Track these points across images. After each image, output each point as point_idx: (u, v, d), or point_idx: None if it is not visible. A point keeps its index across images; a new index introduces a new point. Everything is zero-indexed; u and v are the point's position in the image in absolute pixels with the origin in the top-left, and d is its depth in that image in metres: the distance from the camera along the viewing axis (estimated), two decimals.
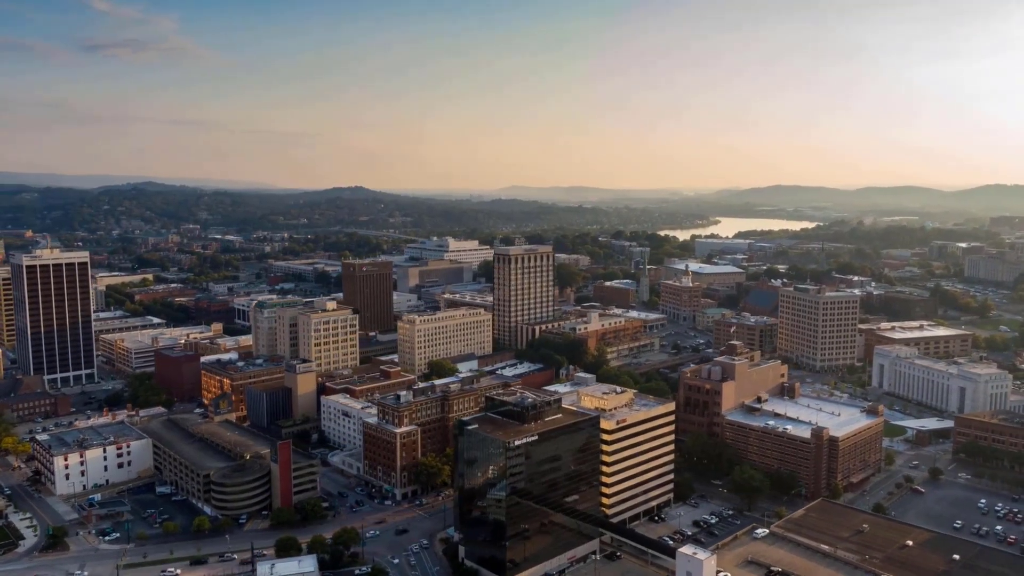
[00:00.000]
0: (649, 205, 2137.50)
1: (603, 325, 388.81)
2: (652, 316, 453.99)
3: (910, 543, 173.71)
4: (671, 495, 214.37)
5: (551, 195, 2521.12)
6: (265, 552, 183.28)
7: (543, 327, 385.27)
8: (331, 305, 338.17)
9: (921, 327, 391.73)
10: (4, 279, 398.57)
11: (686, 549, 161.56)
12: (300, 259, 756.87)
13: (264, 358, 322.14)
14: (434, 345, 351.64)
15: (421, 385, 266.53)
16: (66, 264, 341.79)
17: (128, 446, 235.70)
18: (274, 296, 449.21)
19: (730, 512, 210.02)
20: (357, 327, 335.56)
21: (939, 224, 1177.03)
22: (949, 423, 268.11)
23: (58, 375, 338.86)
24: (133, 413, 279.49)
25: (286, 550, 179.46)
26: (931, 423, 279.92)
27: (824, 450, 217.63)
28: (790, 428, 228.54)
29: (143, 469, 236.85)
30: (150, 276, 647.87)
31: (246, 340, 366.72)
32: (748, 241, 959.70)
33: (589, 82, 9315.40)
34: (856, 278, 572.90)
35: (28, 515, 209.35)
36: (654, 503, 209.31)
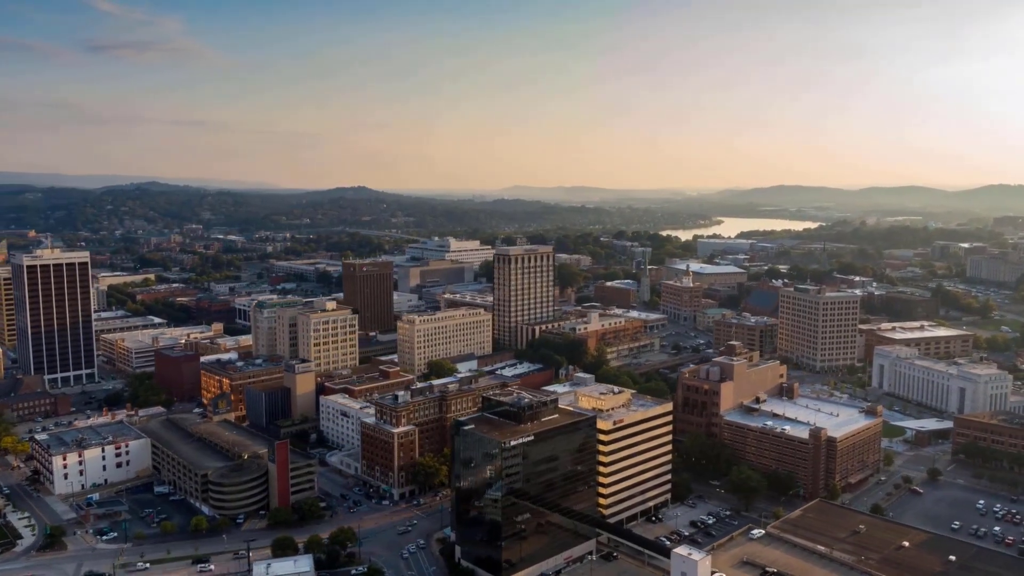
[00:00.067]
0: (652, 205, 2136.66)
1: (603, 325, 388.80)
2: (653, 316, 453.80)
3: (906, 544, 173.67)
4: (668, 495, 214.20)
5: (554, 195, 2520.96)
6: (249, 553, 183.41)
7: (543, 327, 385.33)
8: (331, 305, 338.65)
9: (922, 327, 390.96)
10: (5, 279, 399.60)
11: (681, 550, 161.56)
12: (302, 259, 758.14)
13: (263, 358, 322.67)
14: (434, 345, 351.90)
15: (419, 385, 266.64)
16: (66, 264, 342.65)
17: (127, 446, 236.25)
18: (275, 296, 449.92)
19: (727, 512, 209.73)
20: (357, 327, 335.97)
21: (942, 224, 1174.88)
22: (949, 424, 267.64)
23: (58, 375, 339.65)
24: (132, 413, 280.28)
25: (283, 550, 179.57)
26: (930, 424, 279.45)
27: (822, 451, 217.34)
28: (788, 428, 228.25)
29: (142, 469, 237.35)
30: (152, 276, 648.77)
31: (246, 340, 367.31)
32: (750, 241, 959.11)
33: (593, 83, 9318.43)
34: (857, 278, 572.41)
35: (26, 514, 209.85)
36: (651, 503, 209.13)
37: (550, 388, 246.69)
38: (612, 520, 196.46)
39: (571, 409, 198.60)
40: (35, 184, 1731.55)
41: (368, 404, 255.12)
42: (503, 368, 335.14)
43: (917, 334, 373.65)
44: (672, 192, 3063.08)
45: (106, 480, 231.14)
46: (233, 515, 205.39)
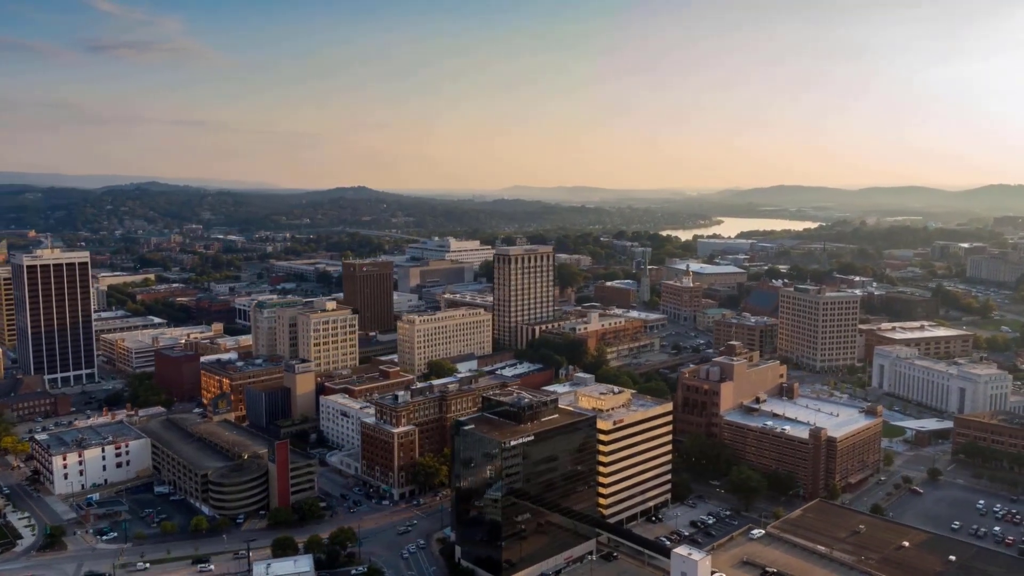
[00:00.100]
0: (652, 205, 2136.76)
1: (603, 325, 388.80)
2: (653, 316, 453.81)
3: (906, 544, 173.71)
4: (669, 495, 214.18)
5: (554, 195, 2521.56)
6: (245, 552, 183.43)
7: (543, 327, 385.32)
8: (330, 305, 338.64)
9: (922, 327, 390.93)
10: (5, 279, 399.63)
11: (681, 550, 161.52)
12: (302, 259, 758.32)
13: (263, 358, 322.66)
14: (434, 345, 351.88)
15: (419, 385, 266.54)
16: (66, 264, 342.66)
17: (127, 446, 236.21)
18: (275, 296, 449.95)
19: (727, 513, 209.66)
20: (356, 327, 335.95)
21: (942, 224, 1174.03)
22: (948, 424, 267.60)
23: (58, 375, 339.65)
24: (132, 413, 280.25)
25: (283, 550, 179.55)
26: (930, 424, 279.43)
27: (822, 451, 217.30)
28: (788, 428, 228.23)
29: (142, 469, 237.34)
30: (152, 276, 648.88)
31: (246, 340, 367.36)
32: (750, 241, 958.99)
33: (593, 83, 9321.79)
34: (857, 278, 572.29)
35: (26, 514, 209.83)
36: (651, 503, 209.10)
37: (550, 388, 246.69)
38: (612, 520, 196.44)
39: (571, 409, 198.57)
40: (35, 184, 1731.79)
41: (368, 404, 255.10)
42: (503, 368, 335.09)
43: (917, 334, 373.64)
44: (672, 192, 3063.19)
45: (106, 480, 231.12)
46: (233, 515, 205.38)
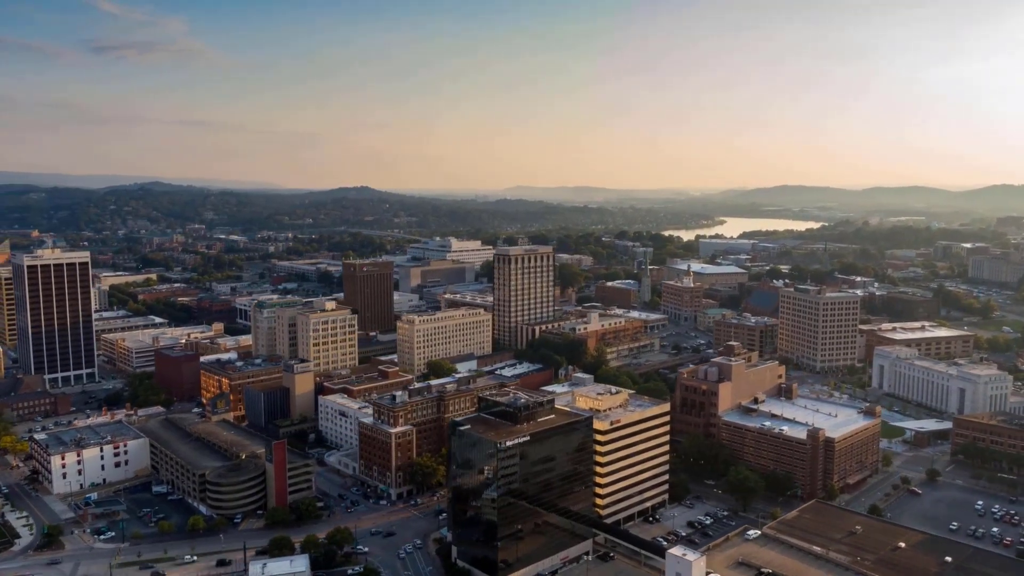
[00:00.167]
0: (655, 205, 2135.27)
1: (603, 325, 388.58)
2: (653, 316, 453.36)
3: (903, 545, 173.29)
4: (666, 496, 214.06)
5: (557, 195, 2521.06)
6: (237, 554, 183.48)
7: (543, 327, 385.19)
8: (330, 305, 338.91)
9: (923, 328, 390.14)
10: (6, 279, 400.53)
11: (676, 550, 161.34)
12: (304, 259, 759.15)
13: (263, 358, 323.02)
14: (433, 345, 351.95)
15: (417, 385, 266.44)
16: (67, 264, 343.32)
17: (125, 445, 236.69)
18: (275, 296, 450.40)
19: (725, 513, 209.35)
20: (356, 327, 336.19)
21: (945, 224, 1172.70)
22: (948, 424, 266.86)
23: (59, 374, 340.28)
24: (132, 412, 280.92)
25: (279, 549, 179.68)
26: (930, 424, 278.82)
27: (820, 451, 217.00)
28: (786, 429, 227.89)
29: (140, 468, 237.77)
30: (154, 276, 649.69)
31: (246, 340, 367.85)
32: (752, 241, 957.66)
33: (596, 83, 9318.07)
34: (859, 279, 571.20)
35: (25, 514, 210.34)
36: (649, 504, 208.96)
37: (549, 388, 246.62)
38: (609, 520, 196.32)
39: (568, 409, 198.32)
40: (38, 184, 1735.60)
41: (366, 404, 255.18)
42: (503, 368, 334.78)
43: (918, 334, 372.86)
44: (675, 192, 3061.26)
45: (105, 480, 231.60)
46: (231, 515, 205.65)
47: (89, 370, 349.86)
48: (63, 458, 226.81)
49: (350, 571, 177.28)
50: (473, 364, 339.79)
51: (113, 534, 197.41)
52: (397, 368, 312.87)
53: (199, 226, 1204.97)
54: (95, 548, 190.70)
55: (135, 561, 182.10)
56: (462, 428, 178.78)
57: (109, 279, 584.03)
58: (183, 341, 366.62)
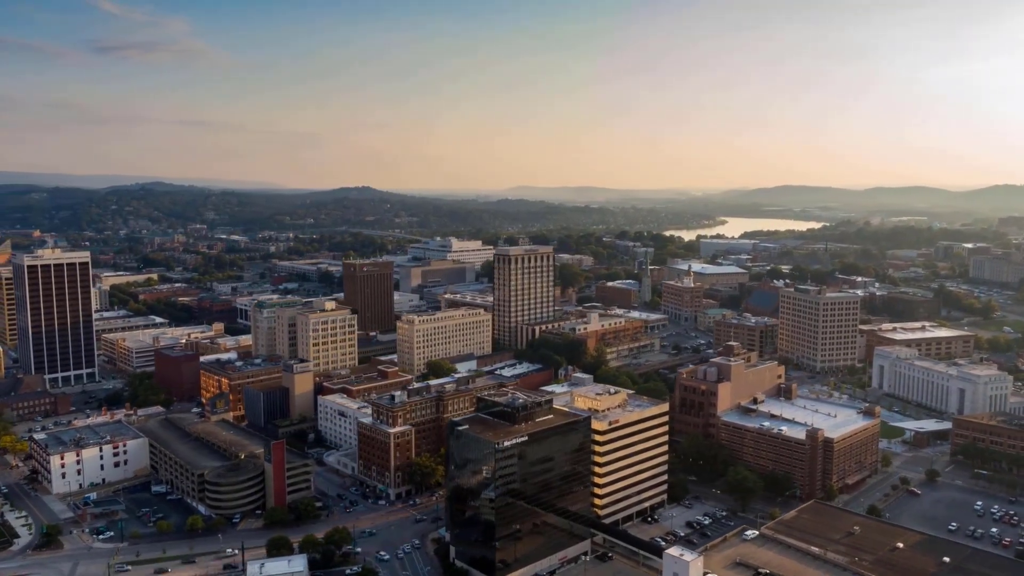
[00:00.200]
0: (656, 205, 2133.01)
1: (603, 325, 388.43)
2: (653, 316, 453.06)
3: (901, 545, 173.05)
4: (665, 496, 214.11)
5: (558, 195, 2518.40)
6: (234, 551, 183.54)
7: (543, 327, 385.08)
8: (330, 305, 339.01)
9: (923, 328, 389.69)
10: (7, 279, 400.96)
11: (673, 551, 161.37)
12: (304, 259, 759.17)
13: (263, 358, 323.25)
14: (433, 345, 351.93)
15: (416, 385, 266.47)
16: (67, 264, 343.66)
17: (125, 445, 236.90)
18: (275, 296, 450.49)
19: (724, 513, 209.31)
20: (356, 327, 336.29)
21: (946, 224, 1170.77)
22: (948, 425, 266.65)
23: (59, 374, 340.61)
24: (131, 412, 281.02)
25: (277, 549, 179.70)
26: (929, 424, 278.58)
27: (819, 451, 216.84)
28: (785, 429, 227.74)
29: (139, 468, 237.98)
30: (155, 276, 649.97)
31: (246, 340, 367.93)
32: (753, 241, 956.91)
33: (597, 82, 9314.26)
34: (859, 279, 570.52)
35: (24, 513, 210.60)
36: (647, 504, 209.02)
37: (548, 388, 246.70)
38: (608, 520, 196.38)
39: (566, 410, 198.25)
40: (40, 184, 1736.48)
41: (366, 404, 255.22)
42: (502, 368, 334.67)
43: (918, 335, 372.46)
44: (676, 192, 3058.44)
45: (104, 479, 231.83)
46: (229, 514, 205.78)
47: (89, 370, 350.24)
48: (62, 458, 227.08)
49: (348, 571, 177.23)
50: (473, 364, 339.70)
51: (112, 534, 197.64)
52: (397, 368, 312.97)
53: (200, 226, 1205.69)
54: (94, 548, 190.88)
55: (135, 561, 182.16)
56: (460, 428, 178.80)
57: (110, 279, 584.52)
58: (183, 341, 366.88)
